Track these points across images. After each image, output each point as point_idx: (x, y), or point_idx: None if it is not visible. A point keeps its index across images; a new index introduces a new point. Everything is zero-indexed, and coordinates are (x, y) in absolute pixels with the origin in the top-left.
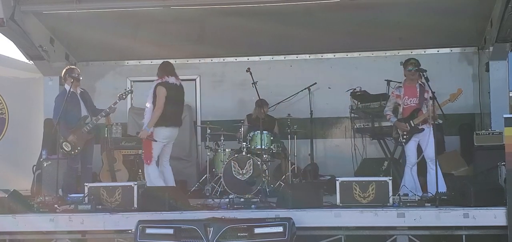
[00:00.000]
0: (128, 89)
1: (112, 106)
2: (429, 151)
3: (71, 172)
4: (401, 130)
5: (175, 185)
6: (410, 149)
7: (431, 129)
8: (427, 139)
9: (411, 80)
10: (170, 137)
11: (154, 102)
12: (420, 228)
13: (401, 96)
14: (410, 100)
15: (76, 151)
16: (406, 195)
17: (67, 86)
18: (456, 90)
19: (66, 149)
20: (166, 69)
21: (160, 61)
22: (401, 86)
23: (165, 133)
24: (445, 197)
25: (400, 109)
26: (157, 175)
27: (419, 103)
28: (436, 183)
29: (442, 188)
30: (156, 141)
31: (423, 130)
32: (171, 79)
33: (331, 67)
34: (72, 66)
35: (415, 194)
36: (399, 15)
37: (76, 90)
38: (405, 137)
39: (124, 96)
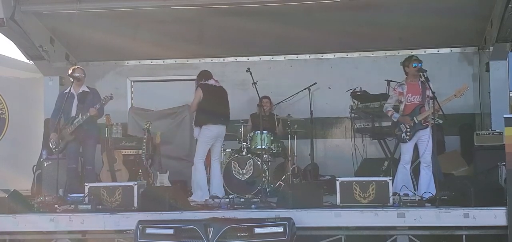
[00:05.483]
0: (108, 96)
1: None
2: (427, 155)
3: (69, 172)
4: (406, 123)
5: (222, 182)
6: (407, 147)
7: (431, 132)
8: (426, 142)
9: (413, 77)
10: (214, 136)
11: None
12: (420, 228)
13: (404, 93)
14: (413, 98)
15: (56, 149)
16: (406, 195)
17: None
18: (462, 86)
19: (50, 146)
20: (203, 74)
21: (160, 61)
22: (403, 84)
23: (208, 132)
24: (445, 197)
25: (402, 107)
26: (201, 173)
27: (422, 100)
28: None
29: (432, 191)
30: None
31: (427, 126)
32: (211, 81)
33: (331, 67)
34: (73, 67)
35: (414, 193)
36: (399, 15)
37: (74, 90)
38: (408, 133)
39: (104, 102)
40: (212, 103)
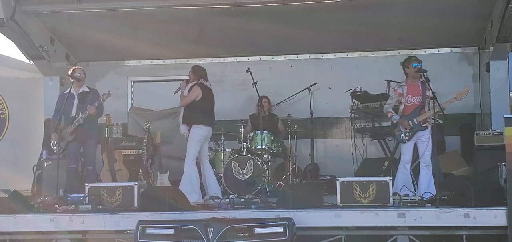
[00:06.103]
0: (106, 93)
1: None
2: (426, 155)
3: (69, 172)
4: (404, 127)
5: (216, 182)
6: (407, 147)
7: (431, 133)
8: (426, 143)
9: (413, 78)
10: (205, 136)
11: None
12: (421, 228)
13: (404, 94)
14: (413, 99)
15: (57, 150)
16: (407, 195)
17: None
18: (463, 88)
19: (52, 146)
20: (201, 73)
21: (160, 61)
22: (403, 85)
23: (201, 131)
24: (445, 197)
25: (401, 108)
26: (196, 174)
27: (422, 102)
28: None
29: (433, 191)
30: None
31: (426, 127)
32: (207, 83)
33: (331, 67)
34: (73, 67)
35: (414, 193)
36: (399, 15)
37: (75, 91)
38: (408, 134)
39: (102, 100)
40: (207, 104)
